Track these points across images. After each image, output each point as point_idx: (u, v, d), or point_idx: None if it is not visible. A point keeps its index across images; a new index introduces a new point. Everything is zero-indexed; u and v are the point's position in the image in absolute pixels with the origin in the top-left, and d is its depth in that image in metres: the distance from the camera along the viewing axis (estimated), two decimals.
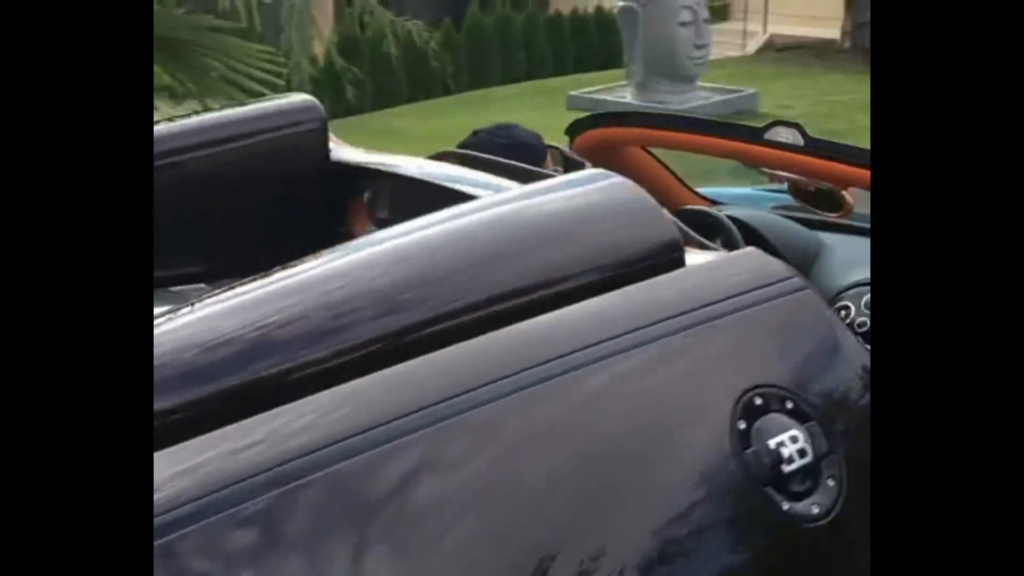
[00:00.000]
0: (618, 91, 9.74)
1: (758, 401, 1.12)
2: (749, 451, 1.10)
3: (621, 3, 9.53)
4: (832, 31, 13.28)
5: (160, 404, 0.97)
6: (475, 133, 2.49)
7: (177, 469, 0.93)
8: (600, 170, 1.35)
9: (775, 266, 1.25)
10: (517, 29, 12.98)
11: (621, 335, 1.11)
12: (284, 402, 0.99)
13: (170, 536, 0.89)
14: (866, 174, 2.25)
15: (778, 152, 2.40)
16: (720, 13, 14.03)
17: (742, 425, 1.11)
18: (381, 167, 1.88)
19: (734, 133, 2.63)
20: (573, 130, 2.74)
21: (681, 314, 1.15)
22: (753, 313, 1.19)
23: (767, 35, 14.09)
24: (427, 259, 1.15)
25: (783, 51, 13.58)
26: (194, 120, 1.83)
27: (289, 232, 1.79)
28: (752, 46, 13.91)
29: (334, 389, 1.00)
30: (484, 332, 1.07)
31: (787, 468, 1.11)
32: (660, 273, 1.19)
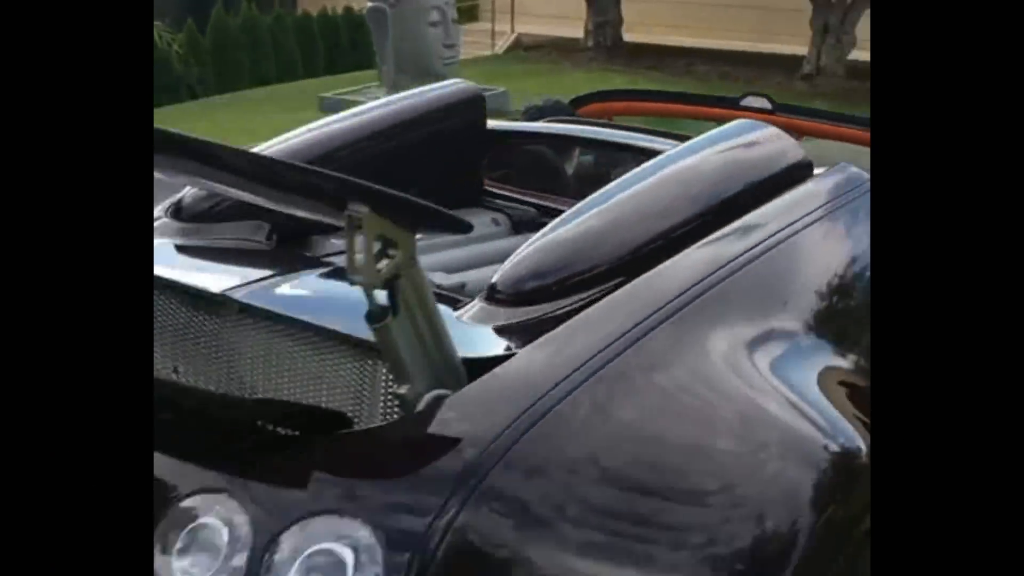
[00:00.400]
0: (370, 92, 9.67)
1: None
2: None
3: (370, 3, 9.47)
4: (576, 30, 13.69)
5: (578, 268, 1.67)
6: (540, 108, 3.40)
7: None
8: (749, 121, 2.24)
9: (861, 173, 2.15)
10: (264, 30, 12.68)
11: (807, 214, 1.96)
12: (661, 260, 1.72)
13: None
14: (818, 126, 3.17)
15: (752, 114, 3.09)
16: (469, 13, 14.20)
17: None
18: (520, 131, 2.87)
19: (716, 103, 3.50)
20: (579, 102, 3.50)
21: (828, 202, 2.04)
22: (862, 199, 2.06)
23: (515, 35, 14.37)
24: (696, 181, 1.95)
25: (531, 50, 13.89)
26: (399, 104, 2.50)
27: (459, 179, 2.57)
28: (501, 45, 14.16)
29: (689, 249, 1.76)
30: (744, 214, 1.89)
31: None
32: (801, 182, 2.07)
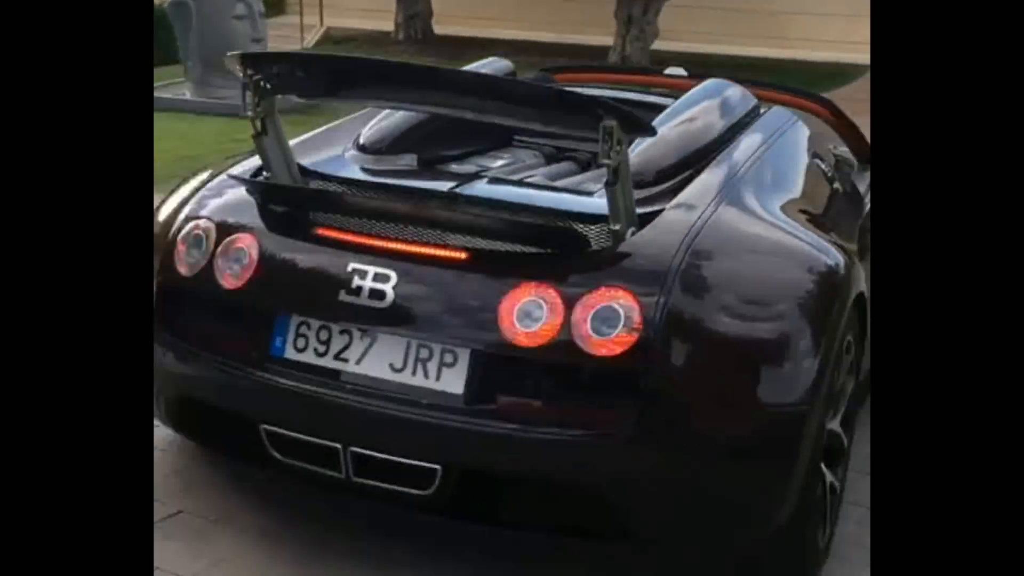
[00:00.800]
0: (176, 88, 9.39)
1: (820, 156, 3.48)
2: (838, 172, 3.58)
3: None
4: (387, 23, 13.65)
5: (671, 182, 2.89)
6: (533, 79, 4.10)
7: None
8: (722, 80, 3.43)
9: (787, 110, 3.48)
10: None
11: (771, 134, 3.24)
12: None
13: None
14: None
15: (672, 80, 4.18)
16: (276, 7, 13.96)
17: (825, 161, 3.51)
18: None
19: (647, 72, 5.02)
20: (550, 71, 4.43)
21: (780, 125, 3.33)
22: (795, 125, 3.38)
23: (324, 28, 14.22)
24: (694, 127, 3.12)
25: (341, 43, 13.77)
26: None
27: (501, 130, 3.46)
28: (310, 40, 13.98)
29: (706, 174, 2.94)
30: (731, 142, 3.11)
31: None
32: (758, 117, 3.34)
